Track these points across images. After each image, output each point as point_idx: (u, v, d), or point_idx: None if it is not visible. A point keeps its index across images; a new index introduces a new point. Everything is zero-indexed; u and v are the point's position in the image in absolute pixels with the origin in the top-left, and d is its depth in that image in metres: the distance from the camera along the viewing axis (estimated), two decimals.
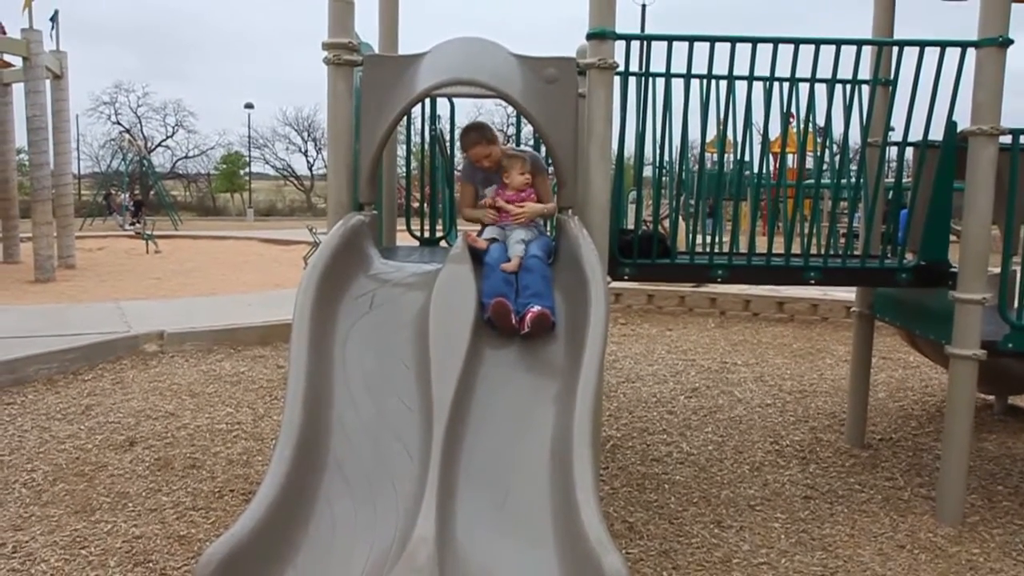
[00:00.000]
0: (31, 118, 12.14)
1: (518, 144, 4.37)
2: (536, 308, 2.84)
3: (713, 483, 4.14)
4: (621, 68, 3.55)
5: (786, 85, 3.93)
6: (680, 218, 4.15)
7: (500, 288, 2.95)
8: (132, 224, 22.50)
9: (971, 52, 3.58)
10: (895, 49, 3.79)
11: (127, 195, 26.65)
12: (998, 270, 3.73)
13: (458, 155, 4.73)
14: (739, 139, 3.84)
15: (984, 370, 3.75)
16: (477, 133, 3.44)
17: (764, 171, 4.22)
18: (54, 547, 3.30)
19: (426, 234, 4.63)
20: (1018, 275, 3.93)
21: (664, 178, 4.10)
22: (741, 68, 3.71)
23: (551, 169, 3.58)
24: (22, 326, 7.04)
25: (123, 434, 4.70)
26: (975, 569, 3.26)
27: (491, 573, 2.17)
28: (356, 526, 2.27)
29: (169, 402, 5.35)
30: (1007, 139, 3.60)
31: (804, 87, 3.86)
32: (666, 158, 3.90)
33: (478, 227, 3.39)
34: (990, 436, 4.99)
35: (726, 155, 4.03)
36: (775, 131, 4.20)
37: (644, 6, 27.62)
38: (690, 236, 4.04)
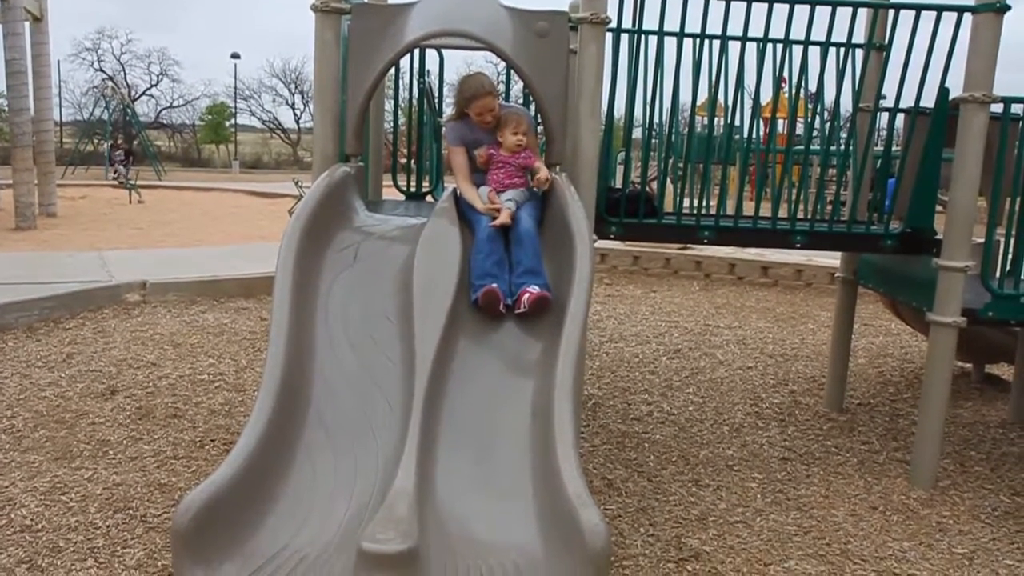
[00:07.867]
0: (10, 61, 11.86)
1: (507, 99, 4.31)
2: (535, 289, 2.79)
3: (692, 443, 4.19)
4: (613, 24, 3.50)
5: (779, 48, 3.89)
6: (668, 180, 4.13)
7: (490, 269, 2.87)
8: (116, 174, 22.18)
9: (967, 18, 3.55)
10: (891, 13, 3.75)
11: (110, 144, 26.11)
12: (982, 239, 3.75)
13: (445, 111, 4.67)
14: (730, 102, 3.81)
15: (963, 338, 3.79)
16: (488, 80, 3.24)
17: (754, 135, 4.19)
18: (34, 492, 3.30)
19: (412, 188, 4.59)
20: (1002, 245, 3.96)
21: (653, 140, 4.07)
22: (735, 29, 3.67)
23: (540, 128, 3.54)
24: (2, 273, 6.95)
25: (104, 383, 4.68)
26: (944, 531, 3.33)
27: (470, 527, 2.18)
28: (336, 477, 2.28)
29: (151, 352, 5.33)
30: (998, 108, 3.59)
31: (797, 50, 3.82)
32: (655, 119, 3.87)
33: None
34: (966, 403, 5.06)
35: (716, 118, 4.00)
36: (766, 95, 4.18)
37: None
38: (677, 198, 4.03)
